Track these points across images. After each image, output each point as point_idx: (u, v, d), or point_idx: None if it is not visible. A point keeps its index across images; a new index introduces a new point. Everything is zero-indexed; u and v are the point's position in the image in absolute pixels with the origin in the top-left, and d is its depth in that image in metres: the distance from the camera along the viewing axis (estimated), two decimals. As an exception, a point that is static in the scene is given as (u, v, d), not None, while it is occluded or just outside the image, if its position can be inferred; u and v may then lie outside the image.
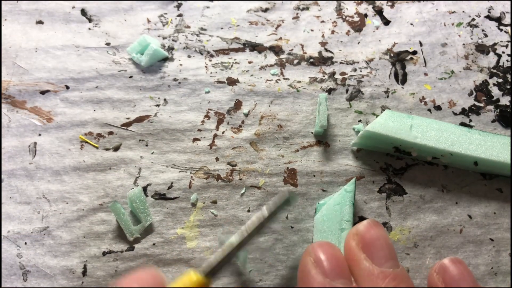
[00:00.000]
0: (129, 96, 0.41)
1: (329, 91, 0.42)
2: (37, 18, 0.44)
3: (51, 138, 0.39)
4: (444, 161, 0.38)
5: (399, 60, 0.43)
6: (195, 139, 0.40)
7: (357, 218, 0.37)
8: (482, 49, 0.44)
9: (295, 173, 0.38)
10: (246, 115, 0.41)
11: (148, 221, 0.36)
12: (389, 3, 0.46)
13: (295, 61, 0.43)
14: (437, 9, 0.45)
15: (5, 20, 0.44)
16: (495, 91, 0.42)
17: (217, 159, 0.39)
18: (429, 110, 0.41)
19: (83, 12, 0.44)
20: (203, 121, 0.40)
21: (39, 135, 0.40)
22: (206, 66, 0.42)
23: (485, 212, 0.38)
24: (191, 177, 0.38)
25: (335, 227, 0.34)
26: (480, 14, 0.45)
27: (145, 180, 0.38)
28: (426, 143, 0.37)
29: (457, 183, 0.38)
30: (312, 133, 0.40)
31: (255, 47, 0.44)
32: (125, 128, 0.40)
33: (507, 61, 0.43)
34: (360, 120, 0.40)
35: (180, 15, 0.44)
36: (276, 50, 0.43)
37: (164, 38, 0.44)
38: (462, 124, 0.40)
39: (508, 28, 0.45)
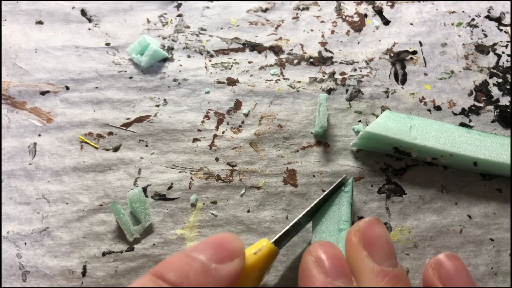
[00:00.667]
0: (129, 97, 0.41)
1: (329, 91, 0.42)
2: (37, 18, 0.44)
3: (51, 139, 0.39)
4: (444, 161, 0.38)
5: (399, 60, 0.43)
6: (195, 140, 0.40)
7: (357, 218, 0.37)
8: (482, 49, 0.44)
9: (295, 173, 0.38)
10: (246, 115, 0.41)
11: (148, 221, 0.36)
12: (389, 3, 0.46)
13: (295, 61, 0.43)
14: (437, 9, 0.45)
15: (5, 20, 0.44)
16: (495, 91, 0.42)
17: (217, 159, 0.39)
18: (429, 110, 0.41)
19: (83, 12, 0.44)
20: (203, 121, 0.40)
21: (39, 135, 0.40)
22: (206, 66, 0.42)
23: (485, 212, 0.37)
24: (191, 177, 0.38)
25: (333, 228, 0.34)
26: (480, 14, 0.45)
27: (145, 180, 0.38)
28: (426, 144, 0.37)
29: (457, 183, 0.38)
30: (312, 133, 0.40)
31: (255, 47, 0.44)
32: (125, 128, 0.40)
33: (507, 61, 0.43)
34: (360, 121, 0.40)
35: (180, 15, 0.45)
36: (276, 50, 0.43)
37: (164, 38, 0.44)
38: (462, 125, 0.40)
39: (508, 28, 0.44)
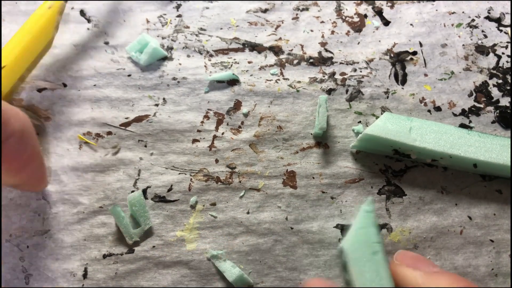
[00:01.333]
0: (128, 95, 0.41)
1: (329, 91, 0.41)
2: (36, 18, 0.44)
3: (49, 138, 0.39)
4: (444, 163, 0.38)
5: (399, 61, 0.43)
6: (194, 140, 0.40)
7: (357, 219, 0.37)
8: (482, 50, 0.43)
9: (295, 175, 0.38)
10: (246, 115, 0.40)
11: (147, 224, 0.37)
12: (389, 4, 0.46)
13: (295, 61, 0.43)
14: (437, 10, 0.45)
15: (4, 20, 0.44)
16: (495, 92, 0.42)
17: (216, 161, 0.39)
18: (429, 111, 0.41)
19: (82, 13, 0.44)
20: (202, 122, 0.40)
21: (37, 134, 0.39)
22: (205, 66, 0.42)
23: (485, 213, 0.38)
24: (191, 179, 0.38)
25: (367, 252, 0.33)
26: (480, 15, 0.45)
27: (144, 182, 0.38)
28: (425, 146, 0.37)
29: (457, 184, 0.38)
30: (311, 134, 0.40)
31: (255, 47, 0.44)
32: (123, 128, 0.40)
33: (507, 62, 0.43)
34: (360, 121, 0.40)
35: (179, 16, 0.44)
36: (276, 50, 0.43)
37: (163, 38, 0.43)
38: (462, 125, 0.40)
39: (508, 29, 0.44)
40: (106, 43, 0.43)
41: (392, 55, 0.43)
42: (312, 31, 0.44)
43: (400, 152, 0.38)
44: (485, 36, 0.44)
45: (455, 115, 0.41)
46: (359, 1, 0.45)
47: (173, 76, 0.42)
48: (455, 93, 0.42)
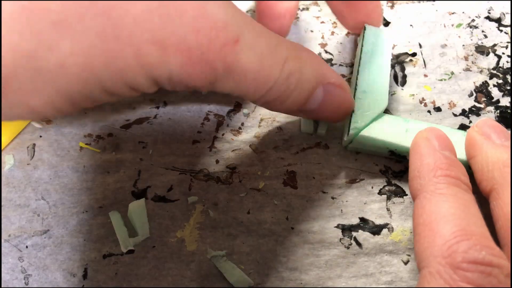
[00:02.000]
0: (130, 98, 0.41)
1: (329, 92, 0.41)
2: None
3: (50, 140, 0.39)
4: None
5: (399, 62, 0.43)
6: (194, 141, 0.40)
7: (358, 219, 0.37)
8: (482, 50, 0.44)
9: (295, 175, 0.38)
10: (246, 115, 0.40)
11: (145, 235, 0.36)
12: (389, 4, 0.46)
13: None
14: (436, 10, 0.45)
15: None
16: (495, 92, 0.42)
17: (217, 161, 0.39)
18: (429, 111, 0.41)
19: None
20: (202, 124, 0.40)
21: (40, 136, 0.39)
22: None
23: (485, 213, 0.37)
24: (191, 179, 0.38)
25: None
26: (480, 15, 0.45)
27: (144, 182, 0.38)
28: None
29: (457, 184, 0.38)
30: (312, 135, 0.40)
31: (255, 49, 0.44)
32: (124, 130, 0.40)
33: (507, 62, 0.43)
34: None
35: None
36: (276, 51, 0.43)
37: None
38: (462, 126, 0.40)
39: (508, 29, 0.44)
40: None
41: (391, 56, 0.43)
42: (312, 31, 0.44)
43: (396, 153, 0.38)
44: (485, 36, 0.44)
45: (455, 115, 0.41)
46: (359, 2, 0.45)
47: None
48: (455, 93, 0.42)
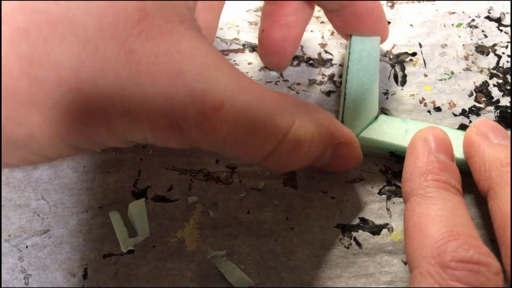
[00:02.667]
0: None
1: (328, 93, 0.41)
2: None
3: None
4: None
5: (399, 62, 0.43)
6: (194, 141, 0.40)
7: (358, 219, 0.37)
8: (482, 50, 0.44)
9: (295, 175, 0.38)
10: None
11: (145, 235, 0.36)
12: (389, 4, 0.46)
13: (295, 63, 0.43)
14: (437, 10, 0.45)
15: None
16: (495, 92, 0.42)
17: (217, 161, 0.39)
18: (429, 111, 0.41)
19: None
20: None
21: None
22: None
23: (485, 213, 0.37)
24: (191, 179, 0.38)
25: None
26: (480, 14, 0.45)
27: (144, 182, 0.38)
28: None
29: (457, 184, 0.38)
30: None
31: (255, 48, 0.44)
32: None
33: (507, 62, 0.43)
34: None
35: (179, 17, 0.44)
36: (276, 51, 0.43)
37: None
38: (462, 126, 0.40)
39: (508, 29, 0.44)
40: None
41: (391, 56, 0.43)
42: (312, 31, 0.44)
43: (397, 154, 0.38)
44: (485, 36, 0.44)
45: (455, 115, 0.41)
46: (359, 2, 0.45)
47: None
48: (455, 93, 0.42)
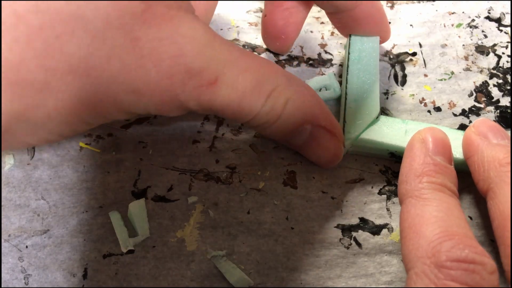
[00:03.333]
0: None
1: (329, 92, 0.41)
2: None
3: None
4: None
5: (399, 62, 0.43)
6: (194, 141, 0.40)
7: (358, 219, 0.37)
8: (482, 50, 0.44)
9: (295, 175, 0.38)
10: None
11: (144, 235, 0.36)
12: (389, 4, 0.46)
13: (295, 63, 0.43)
14: (437, 10, 0.45)
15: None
16: (495, 92, 0.42)
17: (217, 161, 0.39)
18: (429, 111, 0.41)
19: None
20: (202, 123, 0.40)
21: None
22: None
23: (486, 213, 0.37)
24: (191, 179, 0.38)
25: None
26: (480, 15, 0.45)
27: (144, 182, 0.38)
28: None
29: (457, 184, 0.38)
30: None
31: (255, 49, 0.44)
32: (124, 130, 0.40)
33: (507, 62, 0.43)
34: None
35: (179, 17, 0.44)
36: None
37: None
38: (462, 126, 0.40)
39: (508, 29, 0.45)
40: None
41: (391, 56, 0.43)
42: (311, 32, 0.44)
43: (396, 155, 0.38)
44: (485, 36, 0.44)
45: (455, 115, 0.41)
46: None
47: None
48: (455, 93, 0.42)
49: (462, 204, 0.38)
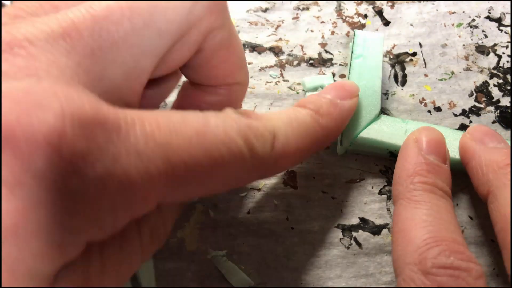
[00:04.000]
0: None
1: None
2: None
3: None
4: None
5: (399, 62, 0.43)
6: (195, 141, 0.39)
7: (358, 219, 0.37)
8: (482, 50, 0.44)
9: (295, 175, 0.38)
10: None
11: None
12: (389, 3, 0.46)
13: (295, 62, 0.43)
14: (437, 10, 0.45)
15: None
16: (496, 92, 0.42)
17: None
18: (429, 111, 0.41)
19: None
20: (202, 123, 0.40)
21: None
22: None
23: (485, 213, 0.37)
24: (191, 179, 0.38)
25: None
26: (480, 14, 0.45)
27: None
28: None
29: (457, 184, 0.38)
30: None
31: (255, 48, 0.44)
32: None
33: (507, 62, 0.43)
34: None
35: (179, 17, 0.44)
36: (276, 51, 0.43)
37: (163, 39, 0.43)
38: (462, 126, 0.40)
39: (508, 29, 0.44)
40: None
41: (391, 56, 0.43)
42: (312, 31, 0.44)
43: (396, 154, 0.37)
44: (486, 36, 0.44)
45: (455, 115, 0.41)
46: (359, 1, 0.45)
47: (173, 77, 0.42)
48: (455, 93, 0.42)
49: (461, 204, 0.38)
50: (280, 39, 0.44)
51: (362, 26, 0.44)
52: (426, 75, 0.42)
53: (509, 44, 0.44)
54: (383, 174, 0.38)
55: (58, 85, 0.20)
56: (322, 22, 0.45)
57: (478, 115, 0.41)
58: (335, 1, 0.45)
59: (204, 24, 0.28)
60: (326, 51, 0.44)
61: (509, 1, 0.46)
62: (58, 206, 0.19)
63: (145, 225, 0.26)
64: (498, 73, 0.42)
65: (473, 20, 0.45)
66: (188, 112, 0.25)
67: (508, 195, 0.31)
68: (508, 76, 0.42)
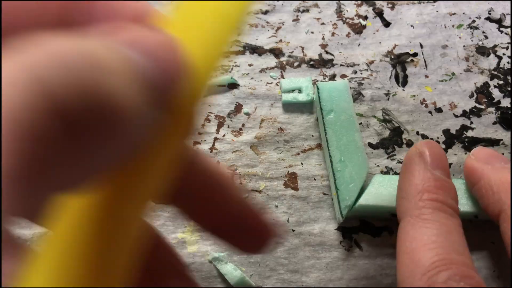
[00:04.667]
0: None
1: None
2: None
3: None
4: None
5: (400, 62, 0.43)
6: (195, 143, 0.40)
7: (359, 222, 0.37)
8: (482, 51, 0.44)
9: (296, 177, 0.38)
10: (247, 114, 0.40)
11: None
12: (390, 5, 0.46)
13: (295, 64, 0.43)
14: (437, 11, 0.45)
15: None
16: (496, 93, 0.42)
17: (217, 162, 0.39)
18: (429, 112, 0.41)
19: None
20: (203, 124, 0.40)
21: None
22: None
23: (485, 215, 0.37)
24: (192, 181, 0.38)
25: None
26: (481, 15, 0.45)
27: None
28: None
29: (458, 185, 0.38)
30: (312, 136, 0.40)
31: (255, 50, 0.44)
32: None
33: (508, 63, 0.43)
34: (361, 123, 0.40)
35: (179, 18, 0.44)
36: (276, 52, 0.43)
37: (163, 41, 0.43)
38: (463, 127, 0.40)
39: (509, 30, 0.44)
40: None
41: (392, 56, 0.43)
42: (312, 33, 0.44)
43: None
44: (486, 37, 0.44)
45: (456, 116, 0.41)
46: (359, 2, 0.45)
47: (173, 78, 0.42)
48: (456, 94, 0.42)
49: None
50: (281, 40, 0.44)
51: (363, 28, 0.44)
52: (426, 76, 0.42)
53: (510, 45, 0.44)
54: (384, 175, 0.38)
55: None
56: (322, 23, 0.45)
57: (479, 116, 0.41)
58: (335, 3, 0.45)
59: None
60: (327, 52, 0.44)
61: (509, 2, 0.46)
62: None
63: None
64: (498, 74, 0.42)
65: (474, 21, 0.45)
66: None
67: None
68: (509, 77, 0.42)
